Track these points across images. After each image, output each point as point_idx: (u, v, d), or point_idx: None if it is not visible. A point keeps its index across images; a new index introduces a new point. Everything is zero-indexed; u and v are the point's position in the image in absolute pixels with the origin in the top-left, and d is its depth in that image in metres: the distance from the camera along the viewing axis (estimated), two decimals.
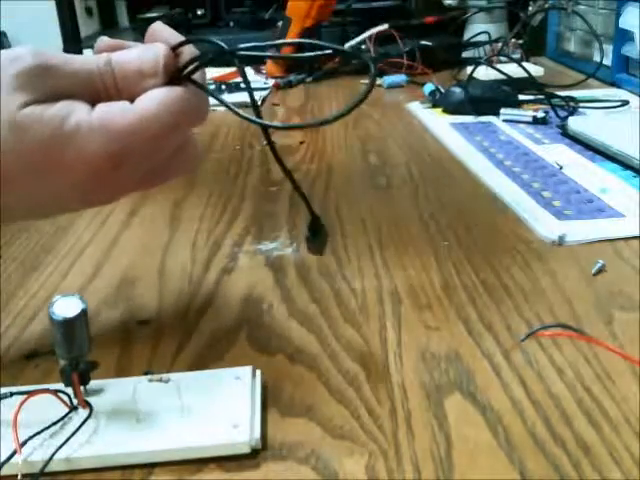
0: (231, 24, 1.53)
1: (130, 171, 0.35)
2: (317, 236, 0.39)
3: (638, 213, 0.56)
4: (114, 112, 0.33)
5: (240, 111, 0.34)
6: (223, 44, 0.34)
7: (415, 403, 0.35)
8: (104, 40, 0.36)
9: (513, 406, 0.34)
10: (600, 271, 0.47)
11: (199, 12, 1.57)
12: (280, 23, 1.24)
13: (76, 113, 0.32)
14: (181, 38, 0.35)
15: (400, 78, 1.12)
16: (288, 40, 0.34)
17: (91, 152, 0.32)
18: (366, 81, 1.13)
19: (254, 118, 0.34)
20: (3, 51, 0.33)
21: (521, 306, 0.43)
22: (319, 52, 0.34)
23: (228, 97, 1.00)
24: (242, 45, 0.34)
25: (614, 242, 0.52)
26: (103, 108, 0.33)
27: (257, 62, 1.21)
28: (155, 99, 0.33)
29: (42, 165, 0.33)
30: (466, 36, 1.31)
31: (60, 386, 0.33)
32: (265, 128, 0.34)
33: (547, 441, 0.32)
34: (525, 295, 0.45)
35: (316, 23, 1.20)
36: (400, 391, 0.36)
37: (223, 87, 1.05)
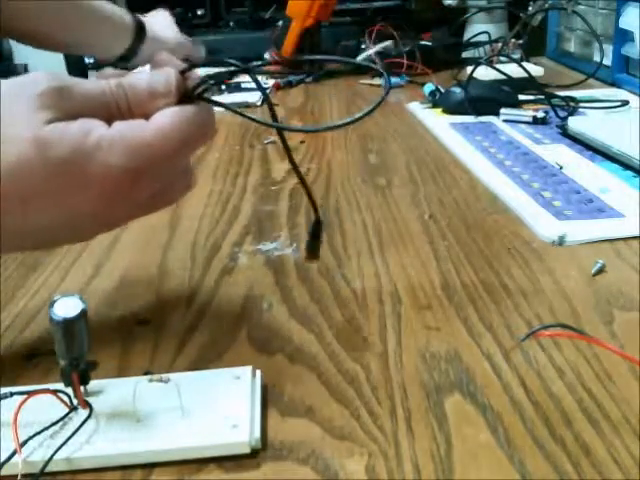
0: (231, 24, 1.53)
1: (145, 188, 0.36)
2: (314, 241, 0.40)
3: (638, 213, 0.56)
4: (132, 127, 0.34)
5: (257, 117, 0.37)
6: (238, 63, 0.36)
7: (415, 403, 0.35)
8: (108, 72, 0.37)
9: (513, 406, 0.34)
10: (600, 271, 0.47)
11: (199, 12, 1.57)
12: (280, 23, 1.24)
13: (96, 129, 0.33)
14: (185, 65, 0.37)
15: (400, 78, 1.12)
16: (310, 57, 0.41)
17: (113, 165, 0.33)
18: (366, 81, 1.13)
19: (270, 122, 0.37)
20: (21, 76, 0.34)
21: (521, 306, 0.43)
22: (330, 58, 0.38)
23: (229, 97, 1.01)
24: (255, 63, 0.38)
25: (614, 242, 0.52)
26: (121, 124, 0.34)
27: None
28: (171, 115, 0.35)
29: (63, 183, 0.33)
30: (466, 36, 1.31)
31: (60, 386, 0.33)
32: (280, 130, 0.38)
33: (547, 441, 0.32)
34: (525, 295, 0.45)
35: (316, 23, 1.21)
36: (400, 391, 0.36)
37: (223, 87, 1.05)
